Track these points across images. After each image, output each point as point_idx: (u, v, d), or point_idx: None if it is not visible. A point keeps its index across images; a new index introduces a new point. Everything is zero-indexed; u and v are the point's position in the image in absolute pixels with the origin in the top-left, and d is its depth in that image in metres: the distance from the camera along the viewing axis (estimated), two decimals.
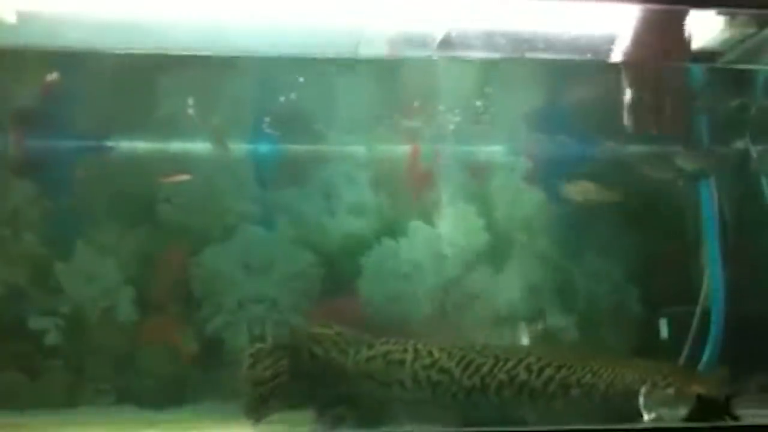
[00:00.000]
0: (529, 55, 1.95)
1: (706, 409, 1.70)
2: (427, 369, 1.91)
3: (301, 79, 2.19)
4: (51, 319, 2.11)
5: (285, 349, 2.00)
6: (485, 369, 1.88)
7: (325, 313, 2.18)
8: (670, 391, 1.74)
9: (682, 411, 1.71)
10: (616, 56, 1.95)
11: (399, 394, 1.92)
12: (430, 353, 1.93)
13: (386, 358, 1.95)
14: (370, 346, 1.97)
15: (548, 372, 1.83)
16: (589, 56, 1.94)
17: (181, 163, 2.22)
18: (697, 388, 1.72)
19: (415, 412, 1.93)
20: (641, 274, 2.28)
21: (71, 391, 2.09)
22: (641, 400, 1.74)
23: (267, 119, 2.25)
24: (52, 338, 2.11)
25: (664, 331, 2.20)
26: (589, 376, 1.81)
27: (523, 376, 1.84)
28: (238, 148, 2.27)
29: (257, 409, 1.94)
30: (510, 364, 1.87)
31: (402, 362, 1.93)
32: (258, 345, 2.04)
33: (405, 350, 1.94)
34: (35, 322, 2.10)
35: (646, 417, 1.72)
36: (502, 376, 1.86)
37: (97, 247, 2.17)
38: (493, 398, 1.85)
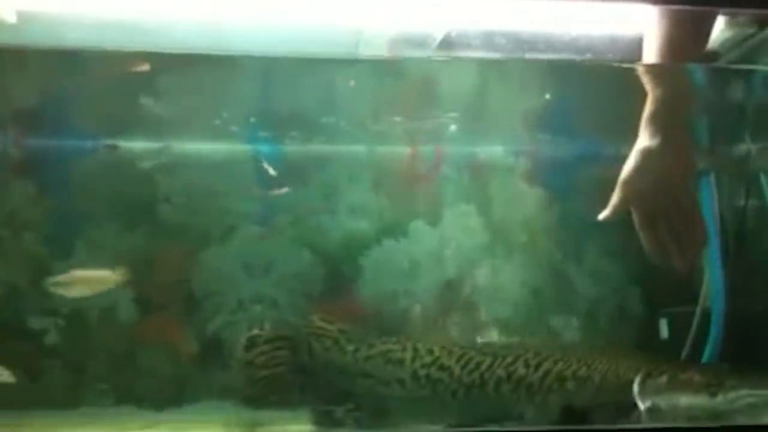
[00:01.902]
0: (529, 55, 1.95)
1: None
2: (426, 367, 1.93)
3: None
4: (51, 319, 2.11)
5: (283, 339, 2.01)
6: (484, 366, 1.89)
7: (324, 312, 2.18)
8: (664, 379, 1.75)
9: (678, 398, 1.73)
10: (617, 57, 1.95)
11: (399, 392, 1.93)
12: (430, 351, 1.94)
13: (386, 357, 1.96)
14: (371, 345, 1.97)
15: (545, 366, 1.86)
16: (588, 56, 1.95)
17: (182, 162, 2.22)
18: (692, 376, 1.74)
19: (415, 410, 1.93)
20: (641, 274, 2.28)
21: (71, 391, 2.09)
22: (635, 389, 1.75)
23: (267, 119, 2.25)
24: (52, 338, 2.10)
25: (663, 332, 2.20)
26: (584, 368, 1.83)
27: (521, 371, 1.86)
28: (239, 147, 2.27)
29: (249, 391, 1.95)
30: (508, 360, 1.88)
31: (402, 361, 1.94)
32: (256, 331, 2.05)
33: (404, 349, 1.96)
34: (35, 322, 2.10)
35: (641, 406, 1.74)
36: (501, 372, 1.87)
37: (97, 247, 2.17)
38: (492, 394, 1.86)
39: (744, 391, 1.71)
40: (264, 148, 2.25)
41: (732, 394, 1.72)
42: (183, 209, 2.21)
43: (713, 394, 1.72)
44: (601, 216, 1.94)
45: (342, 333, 2.00)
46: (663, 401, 1.75)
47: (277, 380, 1.98)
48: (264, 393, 1.98)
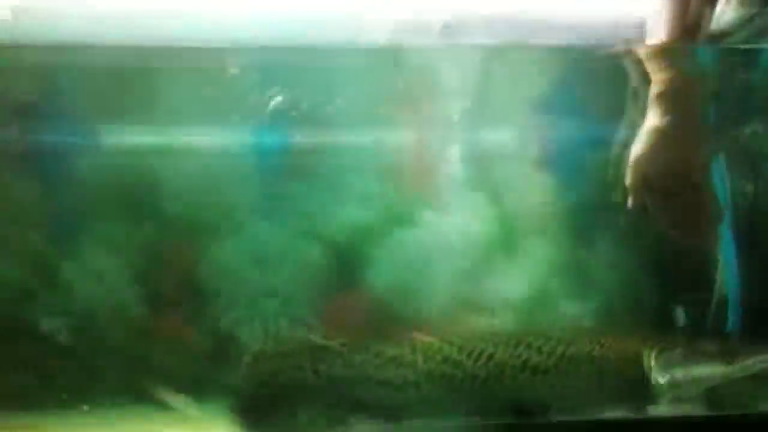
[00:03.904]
0: (532, 41, 1.94)
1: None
2: (439, 365, 1.92)
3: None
4: (59, 319, 2.11)
5: (285, 358, 2.01)
6: (497, 357, 1.89)
7: (335, 305, 2.17)
8: (679, 351, 1.76)
9: (695, 369, 1.73)
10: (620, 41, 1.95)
11: (414, 395, 1.92)
12: (440, 349, 1.94)
13: (396, 362, 1.95)
14: (377, 354, 1.97)
15: (558, 351, 1.85)
16: (593, 42, 1.94)
17: (189, 157, 2.21)
18: (707, 346, 1.75)
19: (432, 410, 1.93)
20: (655, 262, 2.25)
21: (77, 391, 2.09)
22: (652, 363, 1.76)
23: (273, 111, 2.24)
24: (61, 338, 2.10)
25: (679, 320, 2.17)
26: (597, 348, 1.83)
27: (534, 359, 1.86)
28: (245, 140, 2.25)
29: (248, 410, 1.95)
30: (520, 349, 1.88)
31: (413, 364, 1.93)
32: (260, 347, 2.04)
33: (413, 351, 1.95)
34: (44, 322, 2.10)
35: (660, 380, 1.75)
36: (514, 361, 1.87)
37: (106, 245, 2.17)
38: (509, 383, 1.86)
39: (760, 357, 1.73)
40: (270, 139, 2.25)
41: (748, 360, 1.74)
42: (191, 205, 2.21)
43: (729, 363, 1.74)
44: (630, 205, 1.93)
45: (344, 346, 1.99)
46: (679, 373, 1.76)
47: (279, 399, 1.98)
48: (264, 410, 1.98)
